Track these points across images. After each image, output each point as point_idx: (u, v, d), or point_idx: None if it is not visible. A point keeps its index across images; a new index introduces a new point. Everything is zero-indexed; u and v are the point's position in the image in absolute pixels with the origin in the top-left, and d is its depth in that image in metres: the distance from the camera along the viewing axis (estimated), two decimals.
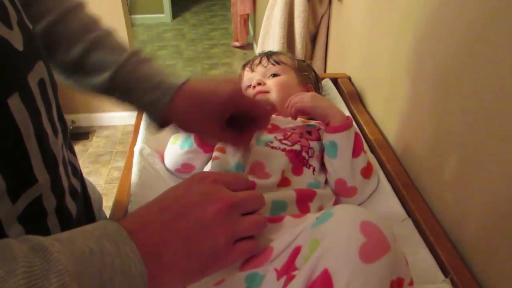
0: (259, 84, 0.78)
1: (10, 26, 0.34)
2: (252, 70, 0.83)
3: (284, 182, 0.62)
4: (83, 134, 2.45)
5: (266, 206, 0.55)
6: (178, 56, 3.48)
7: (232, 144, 0.61)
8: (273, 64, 0.82)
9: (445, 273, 0.54)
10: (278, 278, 0.43)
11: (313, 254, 0.39)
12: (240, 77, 0.85)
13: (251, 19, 3.50)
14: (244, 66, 0.87)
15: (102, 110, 2.48)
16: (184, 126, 0.54)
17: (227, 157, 0.67)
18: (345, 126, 0.65)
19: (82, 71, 0.52)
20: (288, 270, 0.42)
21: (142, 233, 0.35)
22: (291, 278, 0.41)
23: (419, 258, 0.56)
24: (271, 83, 0.79)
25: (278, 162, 0.63)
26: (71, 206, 0.44)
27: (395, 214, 0.64)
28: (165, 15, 4.22)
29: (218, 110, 0.51)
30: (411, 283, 0.41)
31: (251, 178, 0.60)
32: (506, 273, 0.50)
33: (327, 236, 0.39)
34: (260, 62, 0.83)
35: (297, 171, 0.65)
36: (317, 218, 0.43)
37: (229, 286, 0.45)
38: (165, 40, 3.80)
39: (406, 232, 0.61)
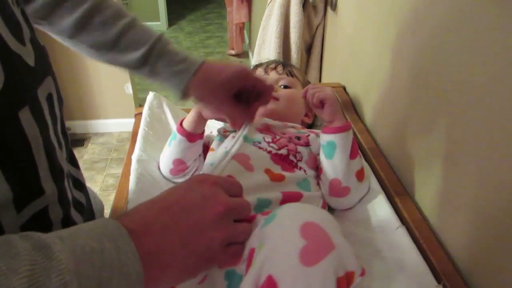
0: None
1: (23, 42, 0.35)
2: (266, 73, 0.84)
3: (277, 178, 0.64)
4: (78, 141, 2.44)
5: (252, 202, 0.57)
6: None
7: (239, 116, 0.69)
8: (287, 75, 0.84)
9: (438, 279, 0.55)
10: None
11: (257, 258, 0.40)
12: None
13: (246, 28, 3.52)
14: (256, 67, 0.88)
15: (97, 117, 2.48)
16: (200, 95, 0.64)
17: (216, 149, 0.72)
18: (346, 127, 0.68)
19: (117, 49, 0.60)
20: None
21: (142, 234, 0.36)
22: None
23: (413, 265, 0.57)
24: (282, 93, 0.81)
25: (262, 160, 0.66)
26: (77, 218, 0.45)
27: (389, 222, 0.65)
28: (161, 23, 4.24)
29: (228, 83, 0.63)
30: (362, 274, 0.42)
31: (235, 164, 0.64)
32: (496, 278, 0.51)
33: (269, 239, 0.40)
34: (275, 68, 0.85)
35: (289, 170, 0.67)
36: (265, 220, 0.44)
37: (211, 284, 0.47)
38: None
39: (400, 240, 0.62)
